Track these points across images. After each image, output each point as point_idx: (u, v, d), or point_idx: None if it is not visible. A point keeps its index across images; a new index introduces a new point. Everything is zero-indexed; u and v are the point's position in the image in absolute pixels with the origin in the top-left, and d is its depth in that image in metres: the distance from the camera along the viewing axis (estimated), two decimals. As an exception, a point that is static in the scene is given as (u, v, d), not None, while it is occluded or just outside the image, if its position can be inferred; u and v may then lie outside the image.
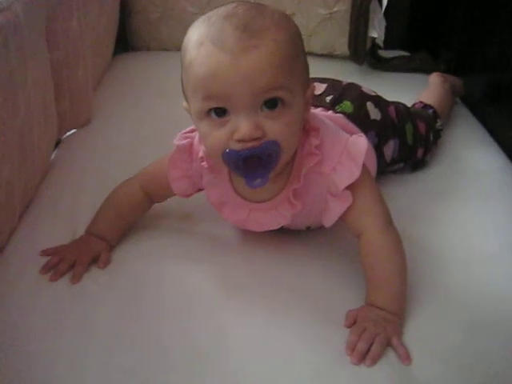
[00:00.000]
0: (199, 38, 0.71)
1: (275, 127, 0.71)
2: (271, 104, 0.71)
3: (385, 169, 1.04)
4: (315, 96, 0.92)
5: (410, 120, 1.07)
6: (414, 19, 1.71)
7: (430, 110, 1.17)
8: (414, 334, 0.76)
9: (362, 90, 1.02)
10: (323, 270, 0.86)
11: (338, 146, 0.79)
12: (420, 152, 1.08)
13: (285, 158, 0.75)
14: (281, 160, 0.74)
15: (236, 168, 0.74)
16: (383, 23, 1.50)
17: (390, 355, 0.72)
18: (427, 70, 1.55)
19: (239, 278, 0.84)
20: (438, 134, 1.15)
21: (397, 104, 1.07)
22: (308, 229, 0.91)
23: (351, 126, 0.93)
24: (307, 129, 0.80)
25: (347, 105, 0.96)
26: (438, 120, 1.16)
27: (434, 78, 1.35)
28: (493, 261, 0.89)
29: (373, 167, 0.95)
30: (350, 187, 0.79)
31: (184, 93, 0.77)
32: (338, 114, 0.94)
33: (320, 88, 0.97)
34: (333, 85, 1.00)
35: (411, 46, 1.65)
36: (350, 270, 0.85)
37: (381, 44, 1.53)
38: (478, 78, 1.41)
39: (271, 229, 0.85)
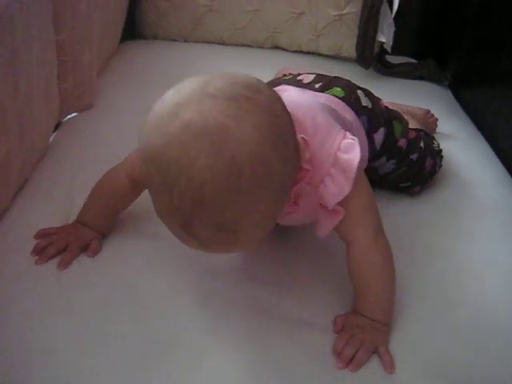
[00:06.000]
0: (158, 187, 0.63)
1: None
2: None
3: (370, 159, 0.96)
4: (304, 84, 0.92)
5: (398, 119, 1.02)
6: (423, 27, 1.71)
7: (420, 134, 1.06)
8: (400, 344, 0.75)
9: (350, 81, 0.99)
10: (309, 272, 0.86)
11: (327, 155, 0.73)
12: (402, 142, 1.00)
13: None
14: None
15: None
16: (392, 28, 1.50)
17: (375, 362, 0.72)
18: (434, 79, 1.55)
19: (225, 275, 0.84)
20: (439, 158, 1.08)
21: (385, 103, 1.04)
22: (301, 225, 0.89)
23: (346, 108, 0.90)
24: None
25: (337, 90, 0.93)
26: (434, 141, 1.09)
27: None
28: (484, 273, 0.89)
29: (365, 155, 0.88)
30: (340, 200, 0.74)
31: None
32: (331, 96, 0.91)
33: (308, 78, 0.95)
34: (321, 75, 0.97)
35: (419, 54, 1.65)
36: (338, 274, 0.84)
37: (388, 49, 1.52)
38: (485, 88, 1.41)
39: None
